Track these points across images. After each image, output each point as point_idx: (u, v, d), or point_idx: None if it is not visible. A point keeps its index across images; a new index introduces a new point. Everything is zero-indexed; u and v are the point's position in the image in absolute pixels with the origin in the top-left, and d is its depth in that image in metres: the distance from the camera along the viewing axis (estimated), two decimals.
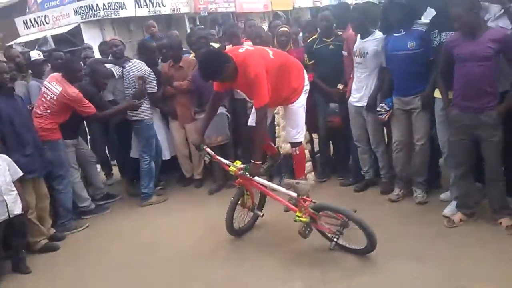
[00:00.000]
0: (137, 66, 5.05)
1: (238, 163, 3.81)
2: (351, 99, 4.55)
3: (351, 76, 4.59)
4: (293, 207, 3.64)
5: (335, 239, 3.48)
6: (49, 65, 5.46)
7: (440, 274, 3.16)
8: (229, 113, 5.16)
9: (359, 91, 4.46)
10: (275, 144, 4.73)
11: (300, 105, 3.85)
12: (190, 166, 5.66)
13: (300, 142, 3.95)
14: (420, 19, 4.16)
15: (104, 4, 13.67)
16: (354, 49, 4.40)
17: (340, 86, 4.74)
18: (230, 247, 3.99)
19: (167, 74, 5.28)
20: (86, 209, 5.02)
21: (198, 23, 16.11)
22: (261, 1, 20.13)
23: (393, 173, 4.54)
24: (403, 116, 4.21)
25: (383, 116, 4.28)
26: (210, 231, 4.26)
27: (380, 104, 4.29)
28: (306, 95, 3.94)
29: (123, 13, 14.16)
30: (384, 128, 4.58)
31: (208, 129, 4.86)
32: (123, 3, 14.14)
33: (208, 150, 3.98)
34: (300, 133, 3.91)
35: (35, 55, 5.32)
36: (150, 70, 5.08)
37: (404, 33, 4.04)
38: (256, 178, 3.74)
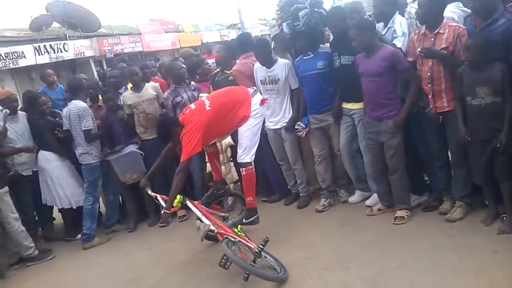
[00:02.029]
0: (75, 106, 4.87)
1: (178, 199, 3.81)
2: (267, 124, 4.72)
3: None
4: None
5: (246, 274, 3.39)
6: None
7: (367, 280, 3.25)
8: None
9: (275, 115, 4.70)
10: None
11: (246, 128, 3.95)
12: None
13: (247, 163, 3.98)
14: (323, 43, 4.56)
15: (1, 54, 12.89)
16: (262, 78, 4.64)
17: None
18: None
19: None
20: (30, 256, 4.76)
21: (105, 65, 15.75)
22: (168, 39, 20.23)
23: (311, 189, 4.87)
24: (318, 132, 4.55)
25: (301, 133, 4.57)
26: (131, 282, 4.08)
27: (297, 123, 4.57)
28: (259, 119, 4.04)
29: (22, 62, 13.43)
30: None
31: (122, 168, 4.79)
32: (22, 52, 13.43)
33: (150, 192, 4.11)
34: (245, 154, 3.96)
35: None
36: (86, 106, 4.92)
37: (312, 55, 4.40)
38: (189, 205, 3.90)
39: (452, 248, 3.37)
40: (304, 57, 4.46)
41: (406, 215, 3.98)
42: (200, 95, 4.84)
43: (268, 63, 4.60)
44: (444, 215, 3.82)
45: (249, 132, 3.96)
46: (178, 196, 3.81)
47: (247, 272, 3.36)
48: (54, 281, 4.42)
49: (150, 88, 5.14)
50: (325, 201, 4.64)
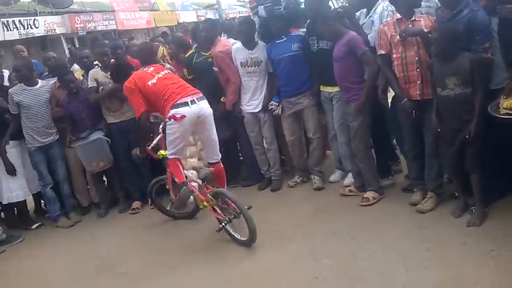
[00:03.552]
0: None
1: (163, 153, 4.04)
2: (246, 108, 4.73)
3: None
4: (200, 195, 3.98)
5: (223, 223, 3.81)
6: None
7: (337, 270, 3.26)
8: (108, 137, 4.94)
9: (255, 98, 4.71)
10: None
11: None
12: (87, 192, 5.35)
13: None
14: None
15: None
16: (243, 60, 4.63)
17: (224, 99, 4.84)
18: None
19: (55, 95, 4.96)
20: None
21: (77, 43, 15.30)
22: (143, 17, 19.73)
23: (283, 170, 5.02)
24: (292, 116, 4.63)
25: (277, 111, 4.63)
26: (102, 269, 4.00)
27: (270, 103, 4.63)
28: (172, 131, 3.79)
29: None
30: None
31: (88, 156, 4.66)
32: None
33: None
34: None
35: None
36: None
37: (285, 39, 4.46)
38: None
39: (422, 240, 3.39)
40: (276, 41, 4.51)
41: (373, 197, 4.10)
42: None
43: (251, 44, 4.61)
44: (414, 205, 3.85)
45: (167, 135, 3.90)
46: (164, 152, 4.03)
47: (236, 211, 3.72)
48: (20, 269, 4.29)
49: None
50: (298, 178, 4.81)
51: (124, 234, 4.61)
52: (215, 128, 3.99)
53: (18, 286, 4.01)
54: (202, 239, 4.09)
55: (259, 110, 4.72)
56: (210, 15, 23.18)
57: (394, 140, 4.63)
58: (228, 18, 19.16)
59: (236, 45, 4.74)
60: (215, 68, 4.80)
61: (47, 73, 5.76)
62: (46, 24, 14.72)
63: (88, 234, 4.78)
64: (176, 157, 3.92)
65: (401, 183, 4.36)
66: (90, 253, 4.33)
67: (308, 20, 4.45)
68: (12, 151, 4.87)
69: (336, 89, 4.20)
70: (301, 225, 4.03)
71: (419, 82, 3.63)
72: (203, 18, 22.90)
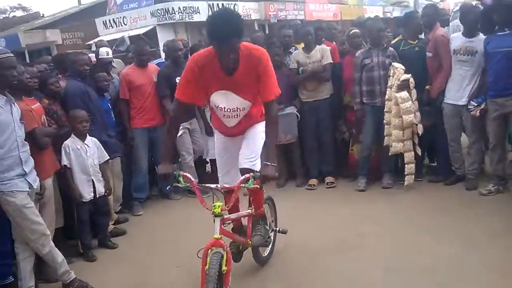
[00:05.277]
0: None
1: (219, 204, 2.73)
2: (449, 100, 4.54)
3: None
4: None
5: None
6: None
7: None
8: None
9: (461, 90, 4.47)
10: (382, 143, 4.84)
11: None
12: None
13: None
14: None
15: (179, 8, 14.09)
16: (457, 47, 4.44)
17: (429, 87, 4.74)
18: None
19: None
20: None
21: (267, 30, 16.24)
22: (331, 10, 20.02)
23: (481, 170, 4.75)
24: (497, 118, 4.25)
25: (474, 112, 4.33)
26: None
27: (470, 101, 4.40)
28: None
29: (196, 17, 14.48)
30: None
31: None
32: (197, 7, 14.50)
33: (188, 175, 2.86)
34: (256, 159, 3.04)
35: (104, 53, 5.00)
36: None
37: (509, 31, 4.05)
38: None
39: None
40: (498, 33, 4.15)
41: None
42: (394, 64, 4.69)
43: (471, 32, 4.37)
44: None
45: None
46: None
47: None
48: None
49: (319, 51, 5.14)
50: (493, 186, 4.41)
51: (299, 206, 4.78)
52: None
53: None
54: None
55: (463, 105, 4.46)
56: (397, 12, 22.42)
57: None
58: None
59: (456, 33, 4.60)
60: (429, 53, 4.68)
61: None
62: (243, 10, 15.93)
63: None
64: None
65: None
66: None
67: None
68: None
69: None
70: (495, 235, 3.69)
71: None
72: (388, 15, 22.28)
